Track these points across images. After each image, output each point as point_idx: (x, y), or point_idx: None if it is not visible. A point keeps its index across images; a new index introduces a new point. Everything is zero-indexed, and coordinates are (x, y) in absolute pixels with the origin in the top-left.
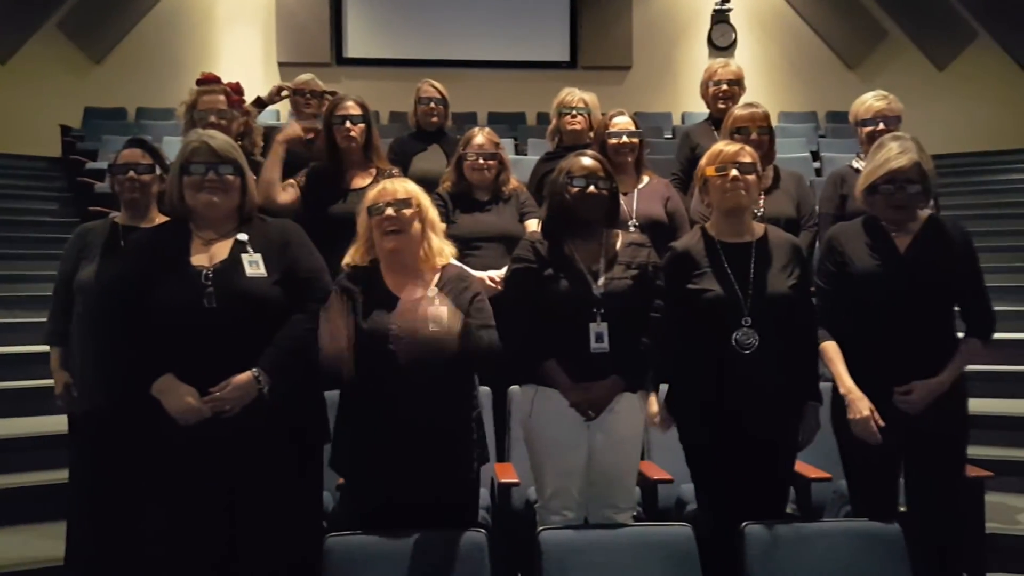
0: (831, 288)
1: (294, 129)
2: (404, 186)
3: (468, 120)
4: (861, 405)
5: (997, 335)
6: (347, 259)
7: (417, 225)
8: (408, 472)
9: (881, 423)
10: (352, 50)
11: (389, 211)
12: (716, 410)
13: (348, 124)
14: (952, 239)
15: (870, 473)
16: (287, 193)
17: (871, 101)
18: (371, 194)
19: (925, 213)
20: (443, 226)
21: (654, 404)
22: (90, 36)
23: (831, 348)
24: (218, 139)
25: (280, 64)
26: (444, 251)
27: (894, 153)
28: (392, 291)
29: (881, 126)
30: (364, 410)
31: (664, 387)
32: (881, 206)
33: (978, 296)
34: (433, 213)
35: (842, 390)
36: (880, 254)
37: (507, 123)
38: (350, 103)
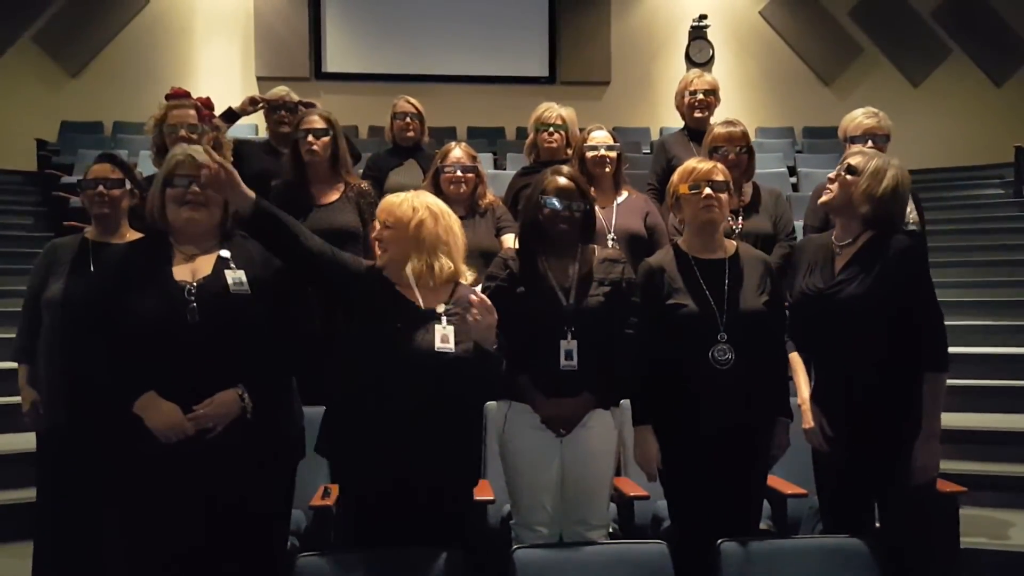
0: (792, 302)
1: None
2: (397, 204)
3: (448, 135)
4: (811, 417)
5: (970, 349)
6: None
7: (399, 245)
8: (399, 476)
9: (830, 433)
10: (331, 64)
11: (376, 231)
12: (691, 426)
13: (310, 138)
14: (890, 261)
15: (839, 489)
16: None
17: (861, 118)
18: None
19: (868, 235)
20: (460, 246)
21: (649, 445)
22: (66, 49)
23: (794, 359)
24: (203, 153)
25: (259, 78)
26: (456, 272)
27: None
28: (404, 295)
29: (869, 144)
30: (361, 411)
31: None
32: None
33: (928, 322)
34: (433, 233)
35: (798, 400)
36: (811, 282)
37: (486, 138)
38: (315, 117)
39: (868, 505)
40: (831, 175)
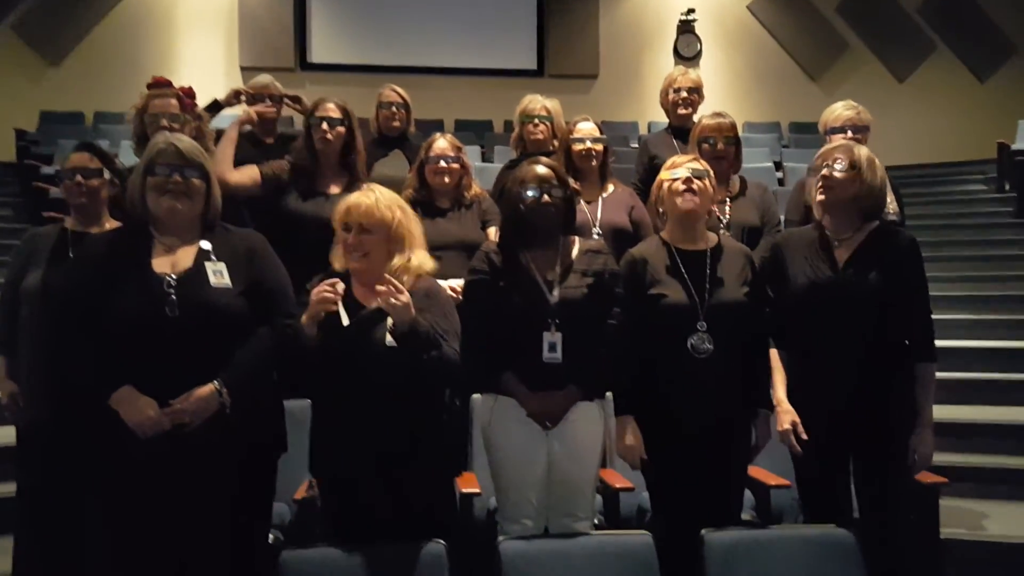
0: (774, 294)
1: (246, 112)
2: (374, 206)
3: (435, 127)
4: (784, 418)
5: (952, 343)
6: (333, 261)
7: (382, 248)
8: (380, 474)
9: (804, 436)
10: (316, 55)
11: (351, 238)
12: (672, 416)
13: (324, 126)
14: (897, 253)
15: (819, 480)
16: (241, 174)
17: (841, 110)
18: (341, 208)
19: (873, 224)
20: (421, 239)
21: (631, 435)
22: (46, 38)
23: (773, 356)
24: (185, 142)
25: (243, 69)
26: (421, 266)
27: (831, 144)
28: (360, 301)
29: (850, 134)
30: (339, 413)
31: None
32: (814, 192)
33: (922, 314)
34: (407, 229)
35: (773, 400)
36: (816, 270)
37: (474, 130)
38: (331, 105)
39: (848, 496)
40: (825, 173)
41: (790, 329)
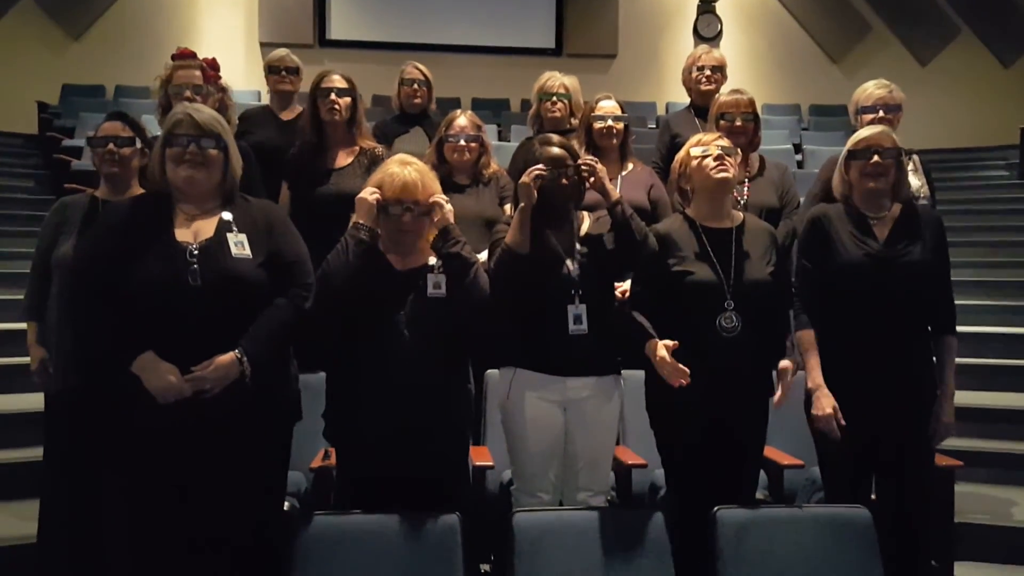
0: (815, 266)
1: None
2: (428, 182)
3: (452, 105)
4: (825, 403)
5: (970, 328)
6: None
7: (427, 222)
8: (400, 443)
9: (842, 422)
10: (335, 32)
11: (407, 217)
12: (696, 395)
13: (333, 96)
14: (927, 228)
15: (842, 461)
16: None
17: (872, 89)
18: (395, 185)
19: (898, 206)
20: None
21: (661, 348)
22: (69, 12)
23: (808, 338)
24: (203, 112)
25: (262, 44)
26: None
27: (868, 129)
28: (396, 268)
29: (881, 113)
30: (360, 380)
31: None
32: (856, 177)
33: (946, 288)
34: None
35: (810, 383)
36: (864, 244)
37: (491, 109)
38: (336, 76)
39: (868, 478)
40: (877, 159)
41: (832, 301)
